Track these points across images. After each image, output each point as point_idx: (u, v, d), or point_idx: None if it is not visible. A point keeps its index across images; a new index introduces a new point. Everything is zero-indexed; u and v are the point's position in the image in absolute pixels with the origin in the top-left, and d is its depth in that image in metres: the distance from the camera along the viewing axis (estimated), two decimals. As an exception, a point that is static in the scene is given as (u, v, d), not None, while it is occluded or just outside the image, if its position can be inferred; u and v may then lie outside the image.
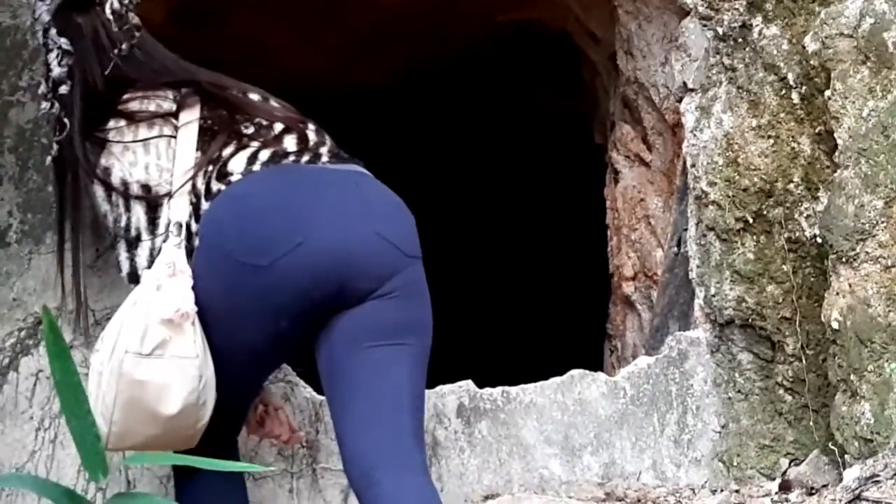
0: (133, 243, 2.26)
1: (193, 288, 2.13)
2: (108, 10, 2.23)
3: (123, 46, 2.24)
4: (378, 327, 2.14)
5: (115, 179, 2.26)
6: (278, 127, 2.31)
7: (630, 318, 3.80)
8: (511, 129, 5.89)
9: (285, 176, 2.23)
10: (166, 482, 2.67)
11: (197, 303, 2.13)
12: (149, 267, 2.21)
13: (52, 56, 2.27)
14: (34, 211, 2.74)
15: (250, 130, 2.29)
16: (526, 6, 4.41)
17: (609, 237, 3.98)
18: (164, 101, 2.30)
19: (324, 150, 2.31)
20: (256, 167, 2.22)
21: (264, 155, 2.25)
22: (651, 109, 3.62)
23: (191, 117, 2.29)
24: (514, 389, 2.96)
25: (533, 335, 5.66)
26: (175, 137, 2.26)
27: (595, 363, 3.93)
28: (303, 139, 2.30)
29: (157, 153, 2.25)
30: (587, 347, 4.31)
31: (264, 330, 2.15)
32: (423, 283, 2.24)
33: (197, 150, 2.24)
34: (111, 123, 2.28)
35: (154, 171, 2.25)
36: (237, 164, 2.23)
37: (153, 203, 2.24)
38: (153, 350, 2.09)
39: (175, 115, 2.28)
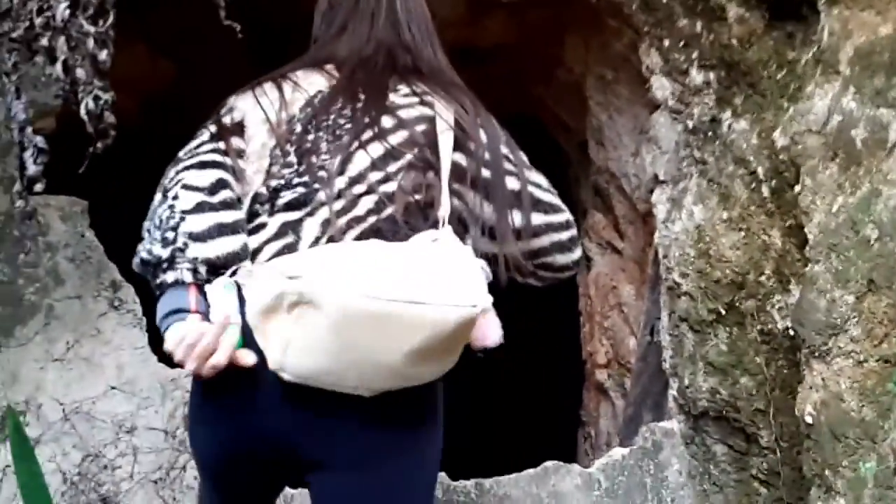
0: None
1: None
2: (83, 111, 2.19)
3: (98, 145, 2.22)
4: None
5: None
6: (338, 184, 1.99)
7: (604, 405, 3.80)
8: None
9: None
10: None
11: None
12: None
13: (28, 154, 2.26)
14: (3, 304, 2.71)
15: (293, 193, 2.00)
16: (499, 92, 4.45)
17: (582, 324, 3.99)
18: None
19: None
20: (247, 267, 1.92)
21: (264, 255, 1.94)
22: (622, 198, 3.65)
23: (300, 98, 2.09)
24: (487, 482, 2.94)
25: (507, 421, 5.63)
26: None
27: (569, 450, 3.91)
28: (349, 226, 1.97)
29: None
30: (561, 434, 4.29)
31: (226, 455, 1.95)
32: (382, 452, 1.90)
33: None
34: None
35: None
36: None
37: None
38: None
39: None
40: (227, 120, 2.06)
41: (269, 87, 2.11)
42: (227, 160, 2.01)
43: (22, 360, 2.69)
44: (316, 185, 1.99)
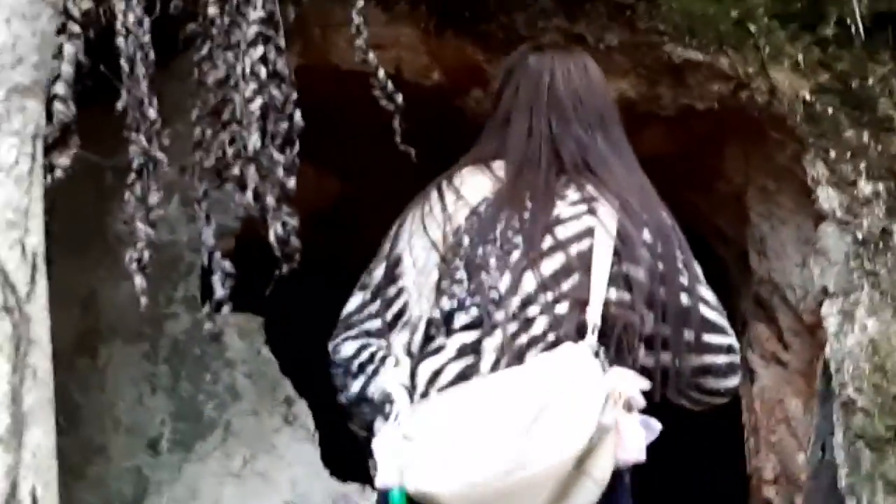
0: None
1: None
2: (272, 236, 2.25)
3: (284, 268, 2.28)
4: None
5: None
6: (513, 305, 2.00)
7: (772, 523, 3.68)
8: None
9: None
10: None
11: None
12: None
13: (216, 278, 2.32)
14: (185, 420, 2.79)
15: (468, 315, 2.01)
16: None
17: (746, 437, 3.89)
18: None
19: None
20: (429, 394, 1.94)
21: (446, 376, 1.96)
22: (787, 310, 3.59)
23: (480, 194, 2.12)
24: None
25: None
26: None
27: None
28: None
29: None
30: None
31: None
32: None
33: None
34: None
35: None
36: (424, 372, 1.98)
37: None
38: None
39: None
40: (392, 258, 2.11)
41: (434, 199, 2.12)
42: (384, 317, 2.07)
43: (201, 474, 2.76)
44: (490, 307, 1.99)
